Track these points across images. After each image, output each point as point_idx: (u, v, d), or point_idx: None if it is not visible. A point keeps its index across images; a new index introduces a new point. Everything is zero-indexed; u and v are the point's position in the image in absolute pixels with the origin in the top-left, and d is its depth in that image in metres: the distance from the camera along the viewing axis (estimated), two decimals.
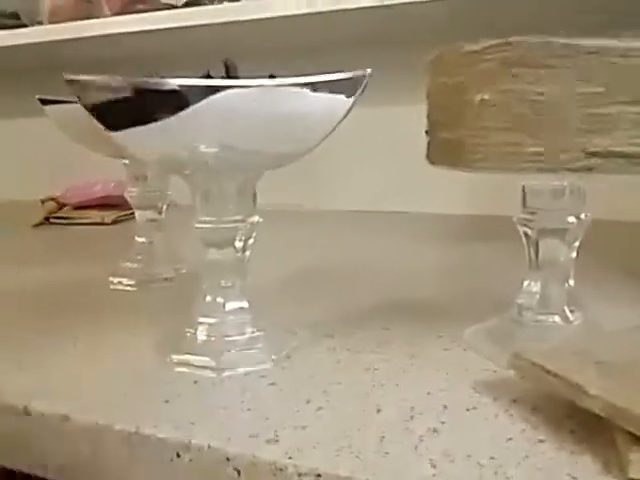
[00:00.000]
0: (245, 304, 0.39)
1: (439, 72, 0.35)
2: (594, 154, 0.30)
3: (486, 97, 0.30)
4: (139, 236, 0.59)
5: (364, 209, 0.94)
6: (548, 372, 0.29)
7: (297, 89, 0.30)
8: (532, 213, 0.37)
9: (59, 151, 1.11)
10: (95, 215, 0.94)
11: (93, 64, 0.86)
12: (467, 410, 0.32)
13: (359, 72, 0.32)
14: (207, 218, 0.37)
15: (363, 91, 0.33)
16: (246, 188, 0.38)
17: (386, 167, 0.94)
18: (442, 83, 0.35)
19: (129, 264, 0.58)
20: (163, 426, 0.31)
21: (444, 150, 0.35)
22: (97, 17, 0.93)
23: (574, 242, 0.38)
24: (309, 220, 0.91)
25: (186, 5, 0.93)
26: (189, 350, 0.38)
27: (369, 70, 0.33)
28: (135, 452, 0.31)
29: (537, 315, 0.39)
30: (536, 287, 0.39)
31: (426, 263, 0.64)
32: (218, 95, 0.30)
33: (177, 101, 0.30)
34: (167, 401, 0.34)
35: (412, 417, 0.31)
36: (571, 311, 0.38)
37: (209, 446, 0.29)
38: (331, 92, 0.32)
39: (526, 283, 0.40)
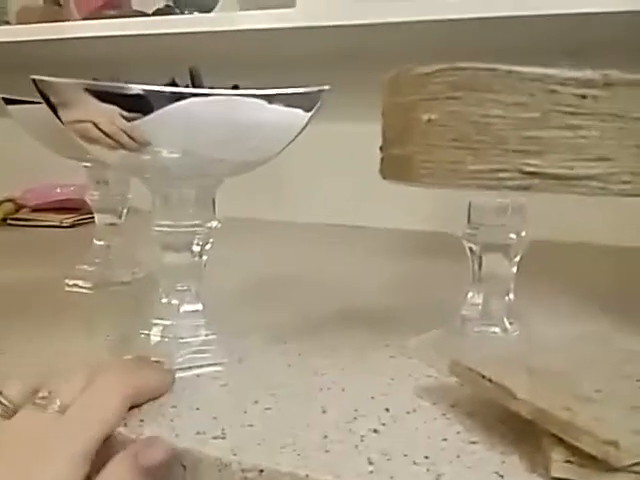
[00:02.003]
0: (200, 307, 0.40)
1: (393, 91, 0.37)
2: (530, 174, 0.32)
3: (433, 117, 0.32)
4: (97, 239, 0.59)
5: (324, 222, 0.95)
6: (483, 377, 0.31)
7: (256, 100, 0.32)
8: (476, 228, 0.39)
9: (18, 152, 1.10)
10: (53, 218, 0.94)
11: (59, 67, 0.86)
12: (407, 413, 0.33)
13: (317, 88, 0.34)
14: (165, 222, 0.38)
15: (319, 106, 0.35)
16: (205, 194, 0.39)
17: (347, 182, 0.96)
18: (395, 102, 0.37)
19: (86, 267, 0.58)
20: None
21: (395, 165, 0.37)
22: (66, 21, 0.93)
23: (515, 257, 0.40)
24: (270, 231, 0.92)
25: (156, 13, 0.94)
26: (142, 351, 0.39)
27: (327, 87, 0.35)
28: None
29: (478, 326, 0.41)
30: (478, 299, 0.41)
31: (378, 276, 0.65)
32: (181, 102, 0.31)
33: (141, 105, 0.31)
34: None
35: (355, 418, 0.32)
36: (510, 323, 0.41)
37: None
38: (289, 105, 0.33)
39: (469, 295, 0.42)
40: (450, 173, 0.32)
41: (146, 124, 0.32)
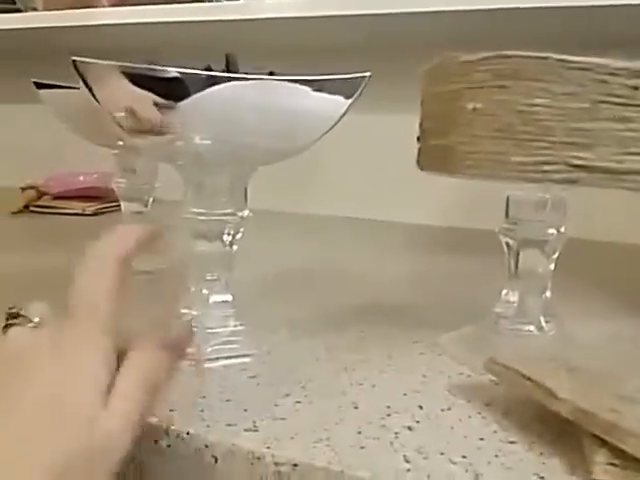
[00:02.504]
0: (229, 298, 0.40)
1: (434, 81, 0.36)
2: (577, 167, 0.31)
3: (478, 106, 0.31)
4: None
5: (354, 215, 0.94)
6: (522, 376, 0.30)
7: (296, 86, 0.31)
8: (514, 223, 0.38)
9: (41, 139, 1.11)
10: (76, 206, 0.94)
11: (88, 53, 0.86)
12: (442, 410, 0.32)
13: (358, 74, 0.33)
14: (197, 210, 0.37)
15: (361, 94, 0.34)
16: (239, 182, 0.38)
17: (377, 175, 0.95)
18: (436, 91, 0.36)
19: None
20: None
21: (435, 156, 0.36)
22: (94, 7, 0.93)
23: (553, 254, 0.39)
24: (298, 223, 0.91)
25: (185, 0, 0.94)
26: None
27: (368, 73, 0.34)
28: None
29: (513, 324, 0.40)
30: (514, 297, 0.40)
31: (408, 271, 0.64)
32: (218, 87, 0.30)
33: (177, 90, 0.30)
34: None
35: (388, 415, 0.32)
36: (546, 321, 0.39)
37: (188, 433, 0.30)
38: (329, 92, 0.32)
39: (504, 292, 0.41)
40: (494, 164, 0.31)
41: (182, 109, 0.31)
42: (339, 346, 0.41)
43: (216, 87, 0.31)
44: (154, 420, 0.30)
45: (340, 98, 0.33)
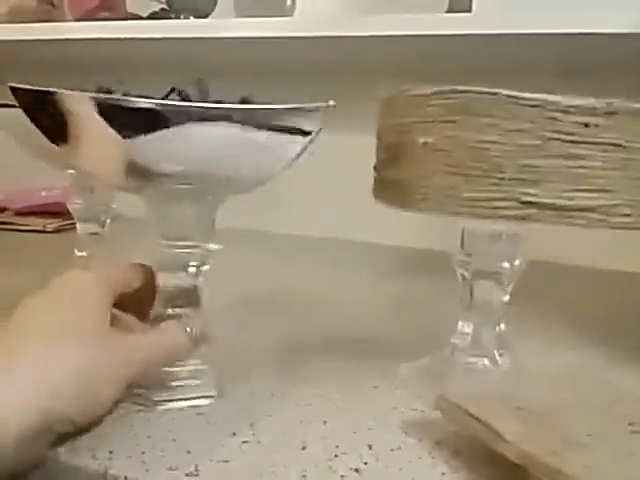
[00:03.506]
0: None
1: (389, 112, 0.35)
2: (527, 204, 0.31)
3: (430, 140, 0.31)
4: (79, 250, 0.57)
5: (323, 235, 0.93)
6: (470, 415, 0.30)
7: (259, 122, 0.30)
8: (469, 255, 0.38)
9: (3, 153, 1.08)
10: (36, 222, 0.91)
11: (50, 67, 0.85)
12: (391, 450, 0.31)
13: (323, 104, 0.32)
14: (162, 241, 0.36)
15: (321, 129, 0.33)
16: (205, 214, 0.37)
17: (342, 195, 0.94)
18: (390, 123, 0.35)
19: None
20: (81, 454, 0.30)
21: (388, 188, 0.35)
22: (59, 21, 0.91)
23: (507, 286, 0.39)
24: (267, 243, 0.90)
25: (151, 17, 0.93)
26: None
27: (332, 102, 0.33)
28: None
29: (468, 357, 0.39)
30: (468, 328, 0.40)
31: (369, 296, 0.64)
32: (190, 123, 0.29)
33: (148, 122, 0.29)
34: None
35: (336, 455, 0.31)
36: (500, 354, 0.39)
37: (125, 478, 0.28)
38: (291, 128, 0.31)
39: (460, 324, 0.40)
40: (446, 200, 0.31)
41: (148, 143, 0.30)
42: (295, 380, 0.40)
43: (188, 124, 0.29)
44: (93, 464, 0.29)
45: (301, 135, 0.32)
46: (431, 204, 0.32)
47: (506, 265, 0.37)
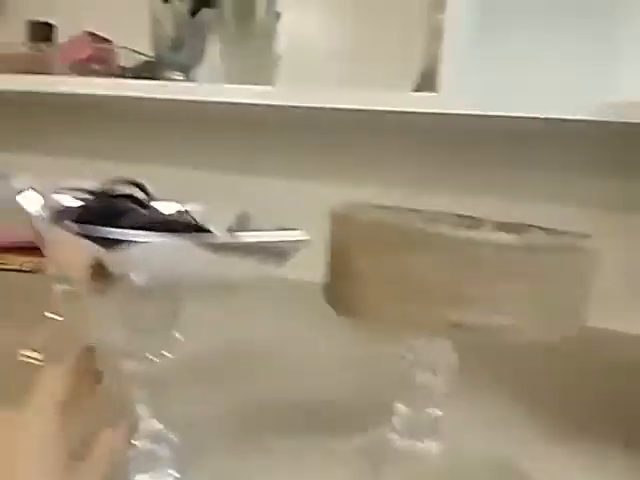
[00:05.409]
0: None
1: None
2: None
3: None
4: (51, 312, 0.60)
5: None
6: None
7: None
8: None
9: None
10: (14, 260, 0.92)
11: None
12: None
13: (296, 239, 0.36)
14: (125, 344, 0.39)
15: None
16: (169, 309, 0.40)
17: None
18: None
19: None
20: None
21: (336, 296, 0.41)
22: (49, 70, 0.95)
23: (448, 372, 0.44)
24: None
25: (138, 69, 0.97)
26: None
27: (306, 238, 0.36)
28: None
29: (405, 439, 0.44)
30: (407, 411, 0.45)
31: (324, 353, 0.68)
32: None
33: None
34: None
35: None
36: (435, 440, 0.44)
37: None
38: (264, 259, 0.35)
39: (399, 405, 0.45)
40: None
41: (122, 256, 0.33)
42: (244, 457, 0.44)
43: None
44: None
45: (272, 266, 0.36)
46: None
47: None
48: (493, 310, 0.37)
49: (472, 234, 0.37)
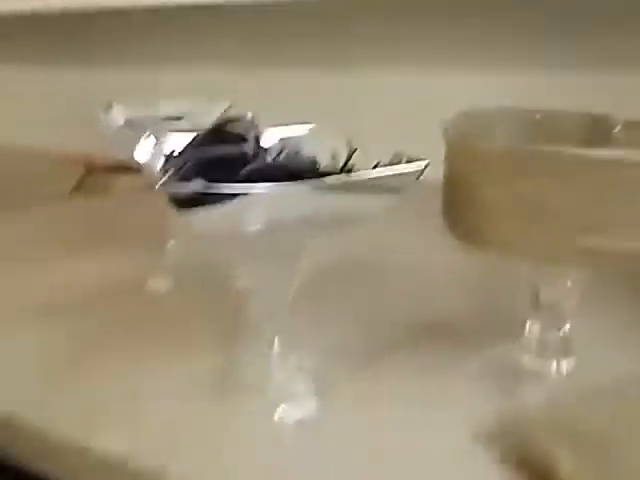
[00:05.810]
0: None
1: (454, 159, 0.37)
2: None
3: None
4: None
5: None
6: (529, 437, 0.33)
7: None
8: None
9: None
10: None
11: None
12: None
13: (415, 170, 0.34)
14: None
15: None
16: None
17: None
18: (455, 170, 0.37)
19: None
20: None
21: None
22: None
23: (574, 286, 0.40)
24: None
25: None
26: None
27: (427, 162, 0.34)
28: None
29: (534, 359, 0.42)
30: (535, 330, 0.43)
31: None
32: None
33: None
34: None
35: None
36: (566, 358, 0.42)
37: None
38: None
39: (528, 324, 0.43)
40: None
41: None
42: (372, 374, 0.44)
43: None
44: None
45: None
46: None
47: None
48: (628, 236, 0.33)
49: (606, 153, 0.32)
